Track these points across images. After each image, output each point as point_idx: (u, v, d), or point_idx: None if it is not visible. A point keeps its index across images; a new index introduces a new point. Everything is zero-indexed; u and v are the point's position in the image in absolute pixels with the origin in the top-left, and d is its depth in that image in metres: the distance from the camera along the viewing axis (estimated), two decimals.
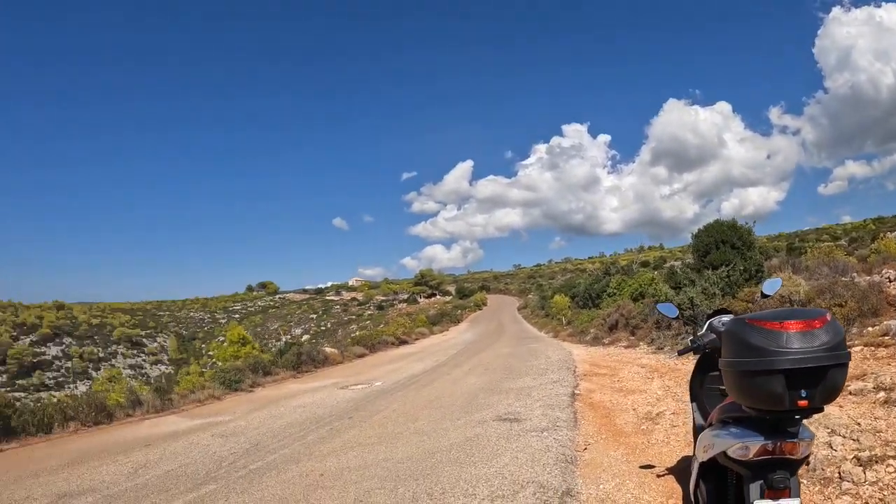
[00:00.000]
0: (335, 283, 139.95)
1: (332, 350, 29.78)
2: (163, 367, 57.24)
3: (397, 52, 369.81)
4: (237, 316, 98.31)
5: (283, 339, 70.55)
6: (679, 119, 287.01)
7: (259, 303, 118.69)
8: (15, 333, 59.13)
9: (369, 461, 8.92)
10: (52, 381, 47.73)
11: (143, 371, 55.54)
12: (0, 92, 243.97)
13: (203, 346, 66.33)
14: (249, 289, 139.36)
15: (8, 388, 42.83)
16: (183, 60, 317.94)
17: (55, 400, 26.70)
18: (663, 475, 6.86)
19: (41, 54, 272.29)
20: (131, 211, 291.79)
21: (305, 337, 75.46)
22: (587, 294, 44.78)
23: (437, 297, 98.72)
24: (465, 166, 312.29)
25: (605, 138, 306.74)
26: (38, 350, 55.90)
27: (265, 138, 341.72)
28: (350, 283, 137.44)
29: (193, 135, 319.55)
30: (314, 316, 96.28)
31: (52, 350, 57.36)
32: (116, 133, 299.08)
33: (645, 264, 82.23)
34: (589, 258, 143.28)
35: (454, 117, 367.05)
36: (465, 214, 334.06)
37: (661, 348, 20.80)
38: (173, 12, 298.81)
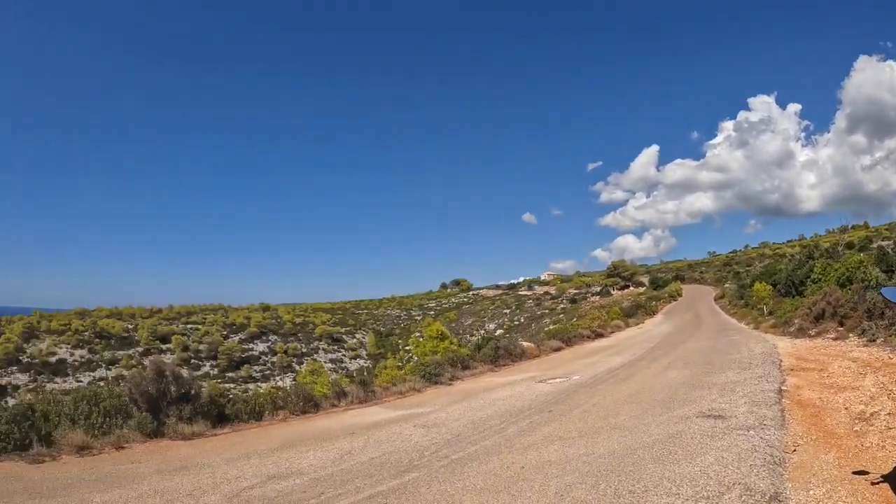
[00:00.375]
0: (527, 278, 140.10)
1: (529, 344, 29.66)
2: (361, 362, 60.05)
3: (575, 38, 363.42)
4: (432, 313, 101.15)
5: (480, 334, 71.63)
6: (874, 78, 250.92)
7: (453, 299, 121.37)
8: (225, 333, 64.83)
9: (570, 455, 8.76)
10: (258, 374, 51.56)
11: (343, 365, 58.58)
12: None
13: (400, 341, 68.82)
14: (444, 286, 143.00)
15: (218, 380, 46.75)
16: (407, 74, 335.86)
17: (262, 390, 28.58)
18: (878, 483, 6.22)
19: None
20: (342, 220, 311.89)
21: (499, 332, 76.17)
22: (789, 281, 41.88)
23: (631, 288, 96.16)
24: (651, 152, 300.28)
25: (795, 108, 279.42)
26: (246, 347, 60.71)
27: (459, 143, 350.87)
28: (542, 278, 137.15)
29: (409, 145, 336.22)
30: (507, 311, 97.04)
31: (259, 346, 62.01)
32: (343, 142, 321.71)
33: (850, 246, 75.63)
34: (787, 242, 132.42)
35: (635, 103, 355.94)
36: (655, 202, 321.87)
37: (874, 340, 19.09)
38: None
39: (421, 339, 30.68)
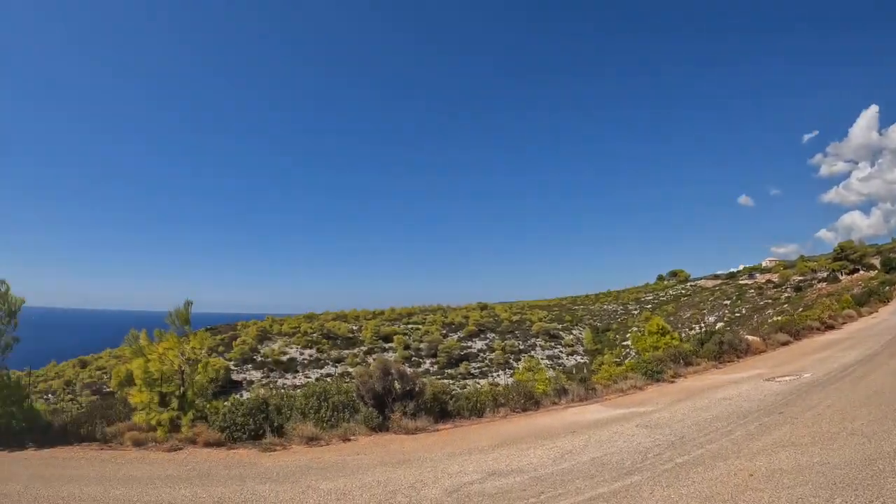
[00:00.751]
0: (747, 265, 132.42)
1: (754, 338, 28.03)
2: (578, 358, 59.69)
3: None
4: (649, 306, 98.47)
5: (699, 327, 68.80)
6: None
7: (670, 292, 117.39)
8: (444, 331, 67.12)
9: (802, 464, 8.28)
10: (476, 371, 52.66)
11: (560, 361, 58.52)
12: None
13: (617, 336, 67.68)
14: (660, 278, 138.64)
15: (437, 377, 48.31)
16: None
17: (480, 387, 29.08)
18: None
19: None
20: (558, 218, 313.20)
21: (719, 325, 72.55)
22: None
23: (860, 272, 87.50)
24: (870, 113, 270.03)
25: None
26: (464, 344, 62.37)
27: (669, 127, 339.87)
28: (763, 265, 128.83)
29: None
30: (727, 302, 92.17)
31: (477, 344, 63.50)
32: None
33: None
34: None
35: (845, 60, 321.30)
36: (881, 171, 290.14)
37: None
38: None
39: (640, 334, 29.82)
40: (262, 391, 32.74)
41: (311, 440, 14.88)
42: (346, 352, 58.47)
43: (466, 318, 74.19)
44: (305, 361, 55.59)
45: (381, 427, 15.79)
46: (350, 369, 51.34)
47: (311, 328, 66.83)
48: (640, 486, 7.89)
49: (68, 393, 49.72)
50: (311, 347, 59.98)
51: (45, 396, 46.72)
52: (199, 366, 18.35)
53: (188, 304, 19.02)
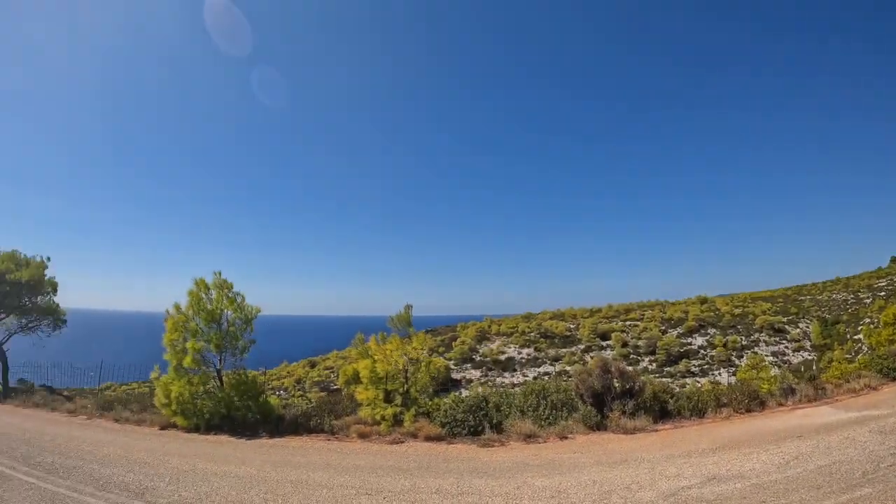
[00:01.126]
0: None
1: None
2: (805, 354, 55.55)
3: None
4: (882, 293, 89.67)
5: None
6: None
7: None
8: (663, 328, 65.06)
9: None
10: (696, 369, 50.61)
11: (785, 358, 54.80)
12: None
13: (847, 330, 62.25)
14: (894, 261, 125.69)
15: (656, 375, 46.98)
16: None
17: (700, 385, 27.97)
18: None
19: None
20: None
21: None
22: None
23: None
24: None
25: None
26: (684, 341, 60.10)
27: None
28: None
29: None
30: None
31: (698, 340, 60.94)
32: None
33: None
34: None
35: None
36: None
37: None
38: None
39: (874, 327, 27.18)
40: (480, 389, 33.55)
41: (528, 437, 15.11)
42: (564, 350, 58.31)
43: (686, 313, 71.42)
44: (523, 360, 56.11)
45: (599, 426, 15.71)
46: (567, 368, 51.17)
47: (528, 327, 67.34)
48: (869, 499, 7.31)
49: (298, 390, 53.42)
50: (528, 346, 60.44)
51: (277, 392, 50.49)
52: (421, 365, 19.25)
53: (408, 307, 20.04)
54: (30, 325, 33.67)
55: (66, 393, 31.04)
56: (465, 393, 38.00)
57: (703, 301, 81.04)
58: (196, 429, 19.07)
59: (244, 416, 19.49)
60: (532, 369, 53.14)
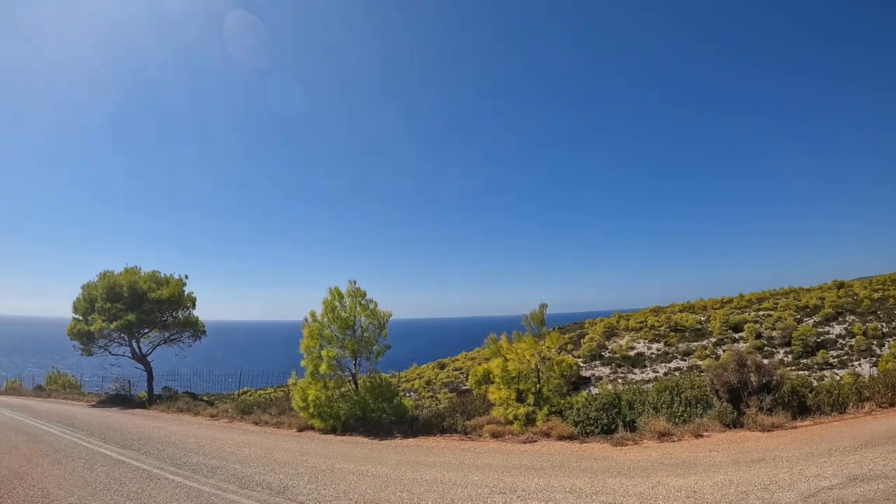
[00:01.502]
0: None
1: None
2: None
3: None
4: None
5: None
6: None
7: None
8: (798, 316, 62.20)
9: None
10: (835, 360, 48.22)
11: None
12: None
13: None
14: None
15: (792, 367, 45.18)
16: None
17: (839, 378, 26.84)
18: None
19: None
20: None
21: None
22: None
23: None
24: None
25: None
26: (820, 330, 57.33)
27: None
28: None
29: None
30: None
31: (835, 329, 58.00)
32: None
33: None
34: None
35: None
36: None
37: None
38: None
39: None
40: (610, 386, 33.27)
41: (662, 435, 15.05)
42: (695, 344, 56.91)
43: (822, 299, 67.97)
44: (653, 355, 55.16)
45: (735, 423, 15.45)
46: (699, 362, 49.98)
47: (657, 322, 66.15)
48: None
49: (428, 391, 54.41)
50: (658, 341, 59.41)
51: (408, 394, 51.65)
52: (552, 363, 19.42)
53: (543, 306, 20.27)
54: (171, 337, 36.04)
55: (206, 398, 33.00)
56: (594, 390, 37.83)
57: (840, 286, 76.90)
58: (332, 430, 20.06)
59: (379, 417, 20.32)
60: (662, 365, 52.24)
